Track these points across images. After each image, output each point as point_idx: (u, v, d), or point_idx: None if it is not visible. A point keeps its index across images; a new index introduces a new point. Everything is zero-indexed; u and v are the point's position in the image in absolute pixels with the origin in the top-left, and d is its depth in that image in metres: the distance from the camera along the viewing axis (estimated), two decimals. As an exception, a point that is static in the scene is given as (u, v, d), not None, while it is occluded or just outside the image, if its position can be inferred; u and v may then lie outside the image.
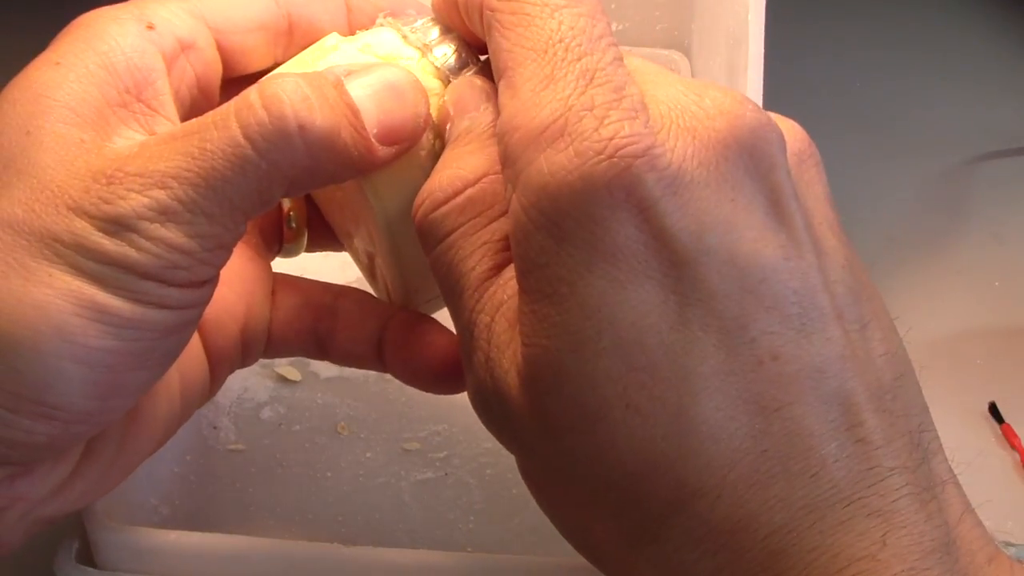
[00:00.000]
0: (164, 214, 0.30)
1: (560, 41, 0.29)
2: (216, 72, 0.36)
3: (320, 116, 0.31)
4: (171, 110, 0.34)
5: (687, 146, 0.28)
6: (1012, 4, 0.76)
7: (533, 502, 0.44)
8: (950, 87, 0.70)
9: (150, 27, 0.33)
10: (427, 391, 0.38)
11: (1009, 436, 0.50)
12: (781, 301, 0.28)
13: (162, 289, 0.31)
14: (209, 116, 0.31)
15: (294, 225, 0.40)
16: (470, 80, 0.34)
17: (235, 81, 0.37)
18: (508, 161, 0.29)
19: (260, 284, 0.38)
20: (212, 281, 0.32)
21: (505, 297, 0.31)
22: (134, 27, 0.33)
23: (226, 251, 0.32)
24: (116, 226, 0.30)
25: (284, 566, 0.39)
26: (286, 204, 0.40)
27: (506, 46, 0.30)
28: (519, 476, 0.45)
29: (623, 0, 0.61)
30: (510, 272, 0.30)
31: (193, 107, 0.36)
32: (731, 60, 0.49)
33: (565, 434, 0.29)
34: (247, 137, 0.30)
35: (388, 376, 0.49)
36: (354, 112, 0.32)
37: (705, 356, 0.28)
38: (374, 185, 0.34)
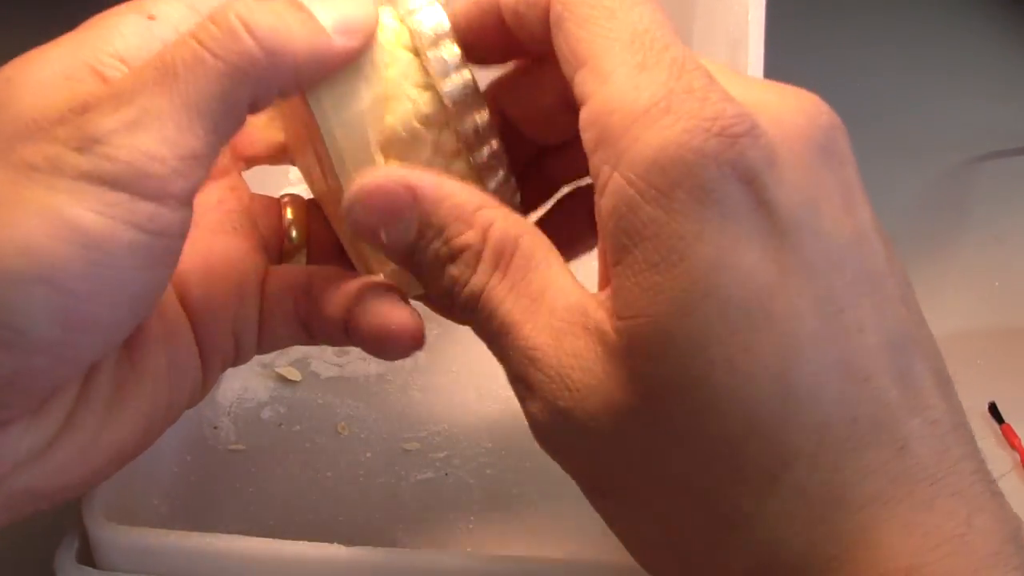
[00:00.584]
0: (134, 124, 0.30)
1: (645, 32, 0.31)
2: None
3: (263, 15, 0.32)
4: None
5: (776, 133, 0.30)
6: (1012, 4, 0.76)
7: (533, 502, 0.44)
8: (950, 87, 0.70)
9: (151, 17, 0.33)
10: (386, 359, 0.38)
11: (1009, 436, 0.50)
12: (859, 278, 0.30)
13: (134, 203, 0.30)
14: (182, 36, 0.32)
15: (294, 237, 0.40)
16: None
17: None
18: (607, 141, 0.30)
19: (252, 278, 0.38)
20: (186, 204, 0.32)
21: (560, 310, 0.32)
22: (135, 18, 0.33)
23: (199, 165, 0.32)
24: (89, 142, 0.30)
25: (284, 566, 0.39)
26: (287, 215, 0.40)
27: (586, 37, 0.31)
28: (519, 476, 0.45)
29: None
30: (554, 292, 0.32)
31: None
32: (731, 60, 0.49)
33: (667, 400, 0.29)
34: (200, 42, 0.31)
35: (388, 376, 0.49)
36: (299, 6, 0.33)
37: (803, 322, 0.29)
38: (320, 103, 0.34)
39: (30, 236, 0.29)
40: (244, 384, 0.49)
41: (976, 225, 0.62)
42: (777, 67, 0.47)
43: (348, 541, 0.39)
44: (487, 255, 0.33)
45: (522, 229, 0.33)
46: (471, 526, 0.44)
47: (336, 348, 0.50)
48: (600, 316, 0.31)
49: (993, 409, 0.51)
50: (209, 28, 0.32)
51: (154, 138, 0.31)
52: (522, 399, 0.33)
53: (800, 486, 0.29)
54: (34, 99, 0.31)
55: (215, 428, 0.47)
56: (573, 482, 0.45)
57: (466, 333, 0.50)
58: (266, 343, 0.39)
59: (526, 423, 0.47)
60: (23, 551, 0.46)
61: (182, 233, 0.32)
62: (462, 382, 0.49)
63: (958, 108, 0.68)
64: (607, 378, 0.30)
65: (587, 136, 0.31)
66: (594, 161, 0.31)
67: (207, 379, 0.37)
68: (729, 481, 0.29)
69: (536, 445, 0.46)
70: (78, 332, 0.31)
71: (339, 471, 0.46)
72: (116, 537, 0.38)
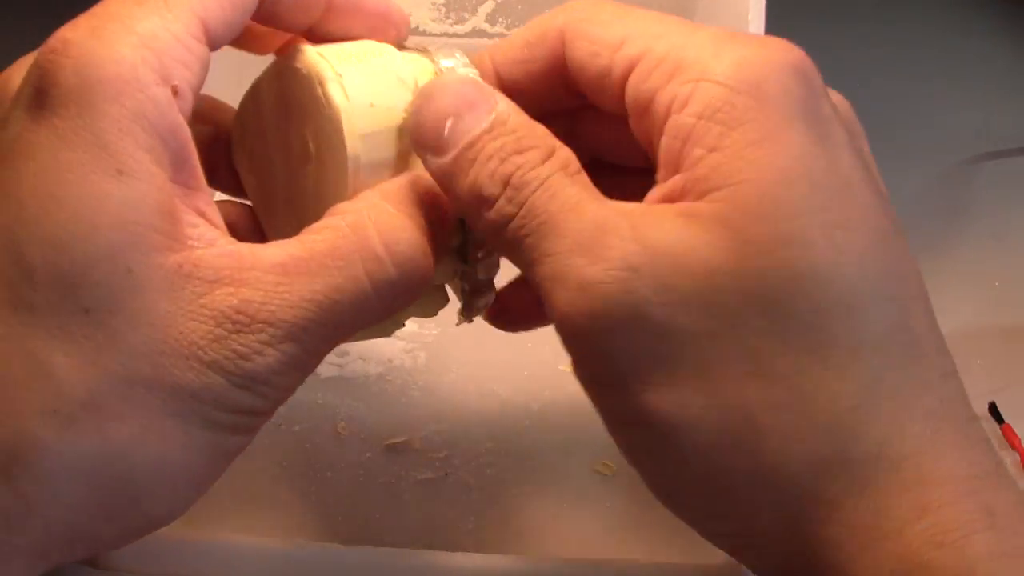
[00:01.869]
0: (294, 367, 0.31)
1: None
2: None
3: (425, 261, 0.33)
4: (201, 176, 0.32)
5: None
6: (1012, 4, 0.76)
7: (533, 502, 0.44)
8: (950, 87, 0.70)
9: (175, 92, 0.31)
10: None
11: (1009, 436, 0.50)
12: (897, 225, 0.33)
13: (263, 420, 0.32)
14: (330, 256, 0.32)
15: None
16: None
17: None
18: (685, 67, 0.32)
19: None
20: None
21: (634, 205, 0.32)
22: (164, 95, 0.31)
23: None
24: (251, 381, 0.30)
25: (284, 566, 0.39)
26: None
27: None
28: (519, 476, 0.45)
29: (623, 0, 0.62)
30: (623, 203, 0.32)
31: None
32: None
33: (765, 261, 0.30)
34: (376, 291, 0.32)
35: (388, 376, 0.49)
36: (429, 243, 0.34)
37: (879, 220, 0.31)
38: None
39: (197, 473, 0.31)
40: (244, 384, 0.49)
41: (976, 225, 0.62)
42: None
43: (348, 541, 0.39)
44: (555, 159, 0.33)
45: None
46: (471, 526, 0.44)
47: (337, 349, 0.50)
48: (668, 204, 0.31)
49: (993, 409, 0.51)
50: (389, 271, 0.32)
51: (303, 375, 0.32)
52: (568, 276, 0.31)
53: (877, 375, 0.30)
54: (166, 301, 0.30)
55: (215, 428, 0.47)
56: (573, 482, 0.45)
57: (466, 333, 0.50)
58: None
59: (526, 423, 0.47)
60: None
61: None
62: (462, 382, 0.49)
63: (958, 108, 0.68)
64: (693, 239, 0.30)
65: (653, 77, 0.32)
66: (665, 93, 0.32)
67: None
68: (816, 356, 0.30)
69: (537, 445, 0.46)
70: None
71: (339, 471, 0.46)
72: (116, 537, 0.38)
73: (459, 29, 0.62)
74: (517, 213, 0.32)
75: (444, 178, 0.33)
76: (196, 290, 0.30)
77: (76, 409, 0.29)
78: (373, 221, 0.32)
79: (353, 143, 0.34)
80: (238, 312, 0.30)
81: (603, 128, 0.38)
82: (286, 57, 0.36)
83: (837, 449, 0.30)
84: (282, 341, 0.31)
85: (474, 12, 0.62)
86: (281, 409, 0.47)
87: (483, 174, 0.33)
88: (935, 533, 0.29)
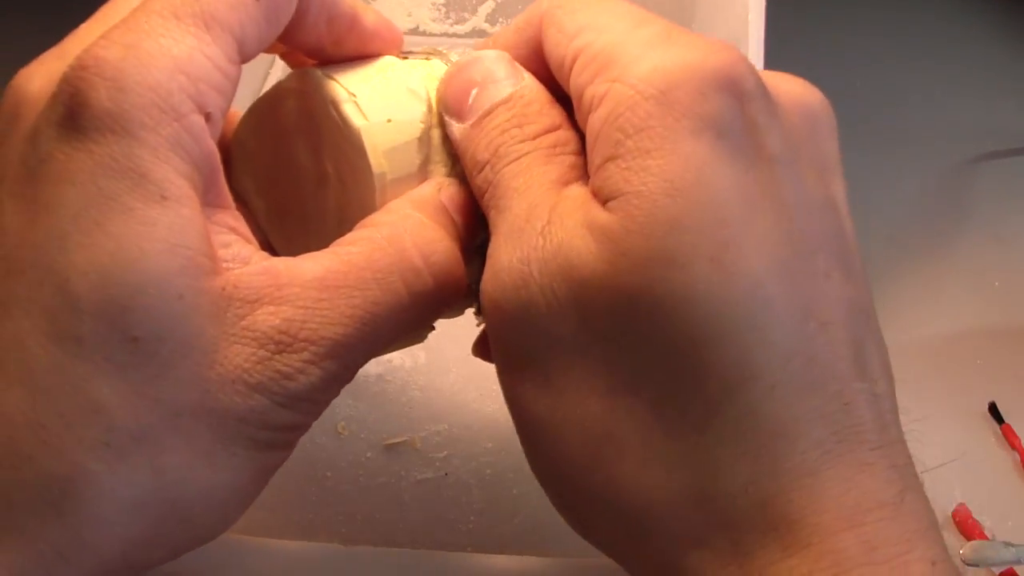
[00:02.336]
0: (335, 381, 0.31)
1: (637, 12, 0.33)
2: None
3: (460, 272, 0.33)
4: (228, 193, 0.32)
5: (772, 87, 0.31)
6: (1012, 4, 0.76)
7: (533, 501, 0.44)
8: (950, 87, 0.70)
9: (208, 119, 0.31)
10: None
11: (1009, 436, 0.50)
12: (830, 235, 0.30)
13: (303, 432, 0.32)
14: (368, 269, 0.32)
15: None
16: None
17: None
18: (609, 67, 0.31)
19: None
20: None
21: (573, 195, 0.31)
22: (197, 123, 0.30)
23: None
24: (294, 400, 0.30)
25: (284, 566, 0.39)
26: None
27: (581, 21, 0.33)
28: (519, 476, 0.45)
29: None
30: (576, 186, 0.31)
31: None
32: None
33: (644, 275, 0.28)
34: (414, 303, 0.32)
35: (388, 376, 0.49)
36: (460, 251, 0.34)
37: (783, 245, 0.29)
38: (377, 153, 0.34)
39: (245, 493, 0.31)
40: (244, 384, 0.49)
41: (976, 225, 0.62)
42: (777, 67, 0.47)
43: (348, 541, 0.39)
44: (546, 138, 0.33)
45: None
46: (471, 526, 0.44)
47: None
48: (586, 204, 0.30)
49: (993, 409, 0.51)
50: (427, 281, 0.32)
51: (341, 387, 0.32)
52: (491, 257, 0.32)
53: (753, 409, 0.28)
54: (213, 326, 0.29)
55: (215, 428, 0.47)
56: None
57: (466, 333, 0.50)
58: None
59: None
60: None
61: None
62: (462, 382, 0.49)
63: (958, 108, 0.68)
64: (582, 247, 0.29)
65: (585, 72, 0.31)
66: (589, 90, 0.31)
67: None
68: (685, 385, 0.28)
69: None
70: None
71: (339, 471, 0.46)
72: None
73: (459, 29, 0.62)
74: (492, 182, 0.33)
75: (462, 142, 0.34)
76: (238, 312, 0.30)
77: (127, 442, 0.28)
78: (409, 232, 0.32)
79: (378, 161, 0.34)
80: (280, 332, 0.30)
81: None
82: (290, 81, 0.35)
83: (696, 483, 0.28)
84: (324, 359, 0.30)
85: (474, 12, 0.62)
86: (281, 409, 0.48)
87: (483, 141, 0.33)
88: (804, 573, 0.27)
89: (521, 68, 0.34)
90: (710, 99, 0.29)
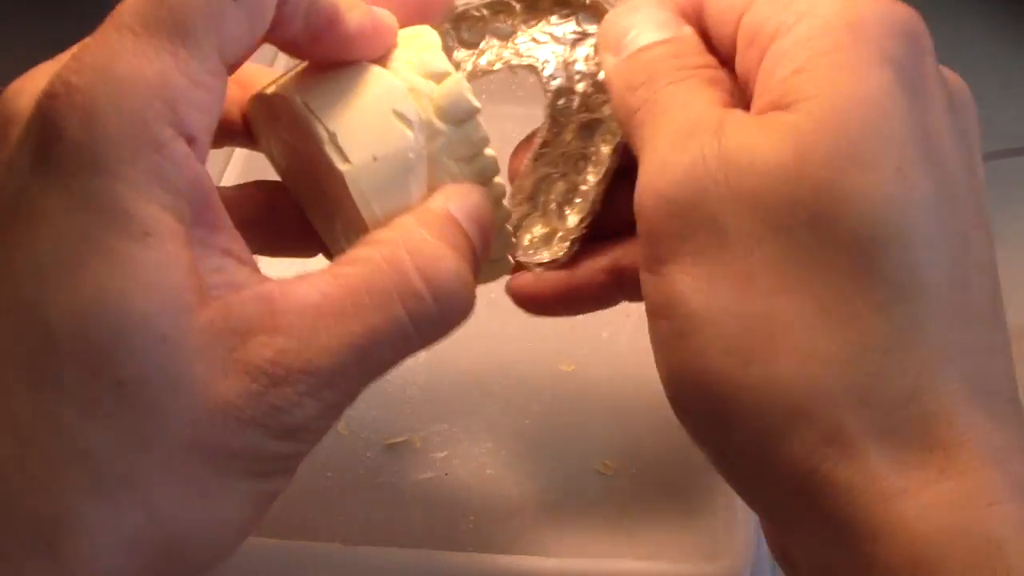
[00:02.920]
0: (333, 409, 0.31)
1: None
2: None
3: (467, 292, 0.33)
4: (224, 212, 0.31)
5: None
6: (1012, 4, 0.76)
7: (533, 501, 0.44)
8: (950, 87, 0.70)
9: (191, 141, 0.29)
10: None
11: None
12: (978, 201, 0.33)
13: (302, 458, 0.32)
14: (367, 294, 0.31)
15: None
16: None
17: None
18: (795, 2, 0.32)
19: None
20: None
21: (739, 113, 0.32)
22: (180, 148, 0.29)
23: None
24: (290, 432, 0.30)
25: (284, 566, 0.39)
26: None
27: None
28: (519, 476, 0.45)
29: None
30: (739, 111, 0.32)
31: None
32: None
33: (831, 170, 0.29)
34: (417, 328, 0.31)
35: (388, 376, 0.49)
36: (476, 261, 0.34)
37: (953, 174, 0.31)
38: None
39: (242, 524, 0.30)
40: (244, 384, 0.49)
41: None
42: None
43: (348, 541, 0.39)
44: (704, 72, 0.34)
45: None
46: (471, 526, 0.44)
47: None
48: (753, 114, 0.31)
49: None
50: (429, 307, 0.32)
51: (338, 415, 0.31)
52: (654, 160, 0.32)
53: (919, 323, 0.29)
54: (201, 365, 0.28)
55: (215, 428, 0.47)
56: (573, 482, 0.45)
57: (466, 333, 0.50)
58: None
59: (526, 423, 0.47)
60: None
61: None
62: (462, 382, 0.49)
63: (958, 108, 0.68)
64: (762, 142, 0.30)
65: (769, 5, 0.32)
66: (772, 22, 0.32)
67: None
68: (857, 284, 0.29)
69: (537, 445, 0.46)
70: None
71: (339, 471, 0.46)
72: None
73: (459, 29, 0.62)
74: (647, 99, 0.33)
75: (612, 72, 0.35)
76: (228, 344, 0.29)
77: (116, 485, 0.28)
78: (410, 252, 0.32)
79: (366, 204, 0.33)
80: (274, 364, 0.29)
81: None
82: (275, 98, 0.35)
83: (858, 386, 0.28)
84: (320, 389, 0.30)
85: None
86: (281, 409, 0.48)
87: (639, 66, 0.34)
88: (958, 497, 0.27)
89: (682, 20, 0.35)
90: (896, 41, 0.30)
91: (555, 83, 0.39)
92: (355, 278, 0.31)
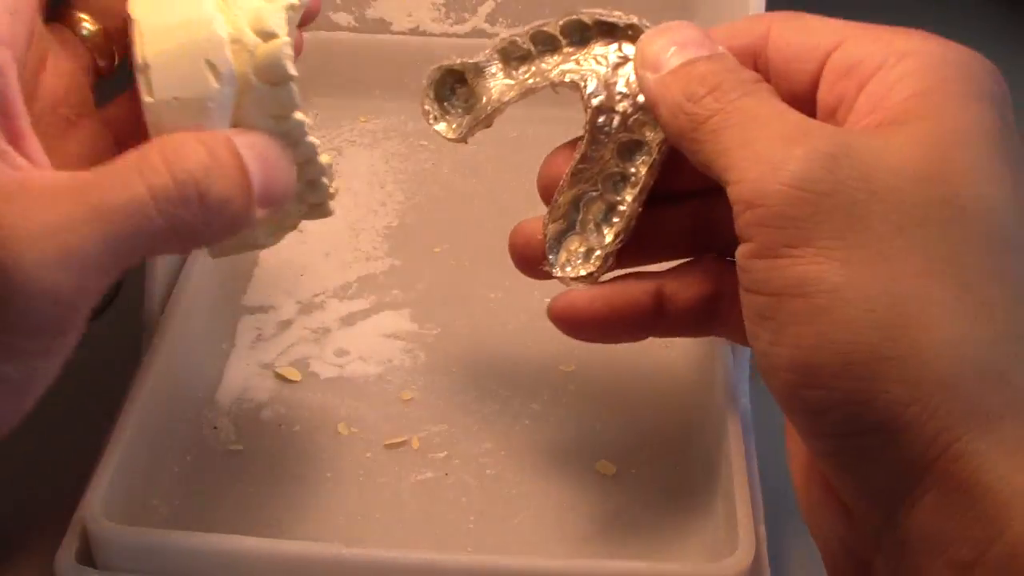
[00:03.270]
0: (76, 289, 0.32)
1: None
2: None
3: (218, 184, 0.34)
4: (17, 105, 0.33)
5: None
6: (1012, 4, 0.76)
7: (533, 502, 0.44)
8: (950, 87, 0.70)
9: None
10: None
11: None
12: None
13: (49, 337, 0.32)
14: (107, 171, 0.33)
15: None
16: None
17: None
18: (904, 40, 0.36)
19: None
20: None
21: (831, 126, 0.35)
22: None
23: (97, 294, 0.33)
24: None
25: (284, 567, 0.39)
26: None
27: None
28: (519, 476, 0.45)
29: (623, 0, 0.62)
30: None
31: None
32: (731, 60, 0.49)
33: (962, 180, 0.32)
34: (152, 197, 0.32)
35: (388, 376, 0.49)
36: (248, 180, 0.35)
37: None
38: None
39: None
40: (244, 384, 0.49)
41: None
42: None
43: (348, 541, 0.39)
44: (764, 83, 0.36)
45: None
46: (471, 526, 0.44)
47: (336, 348, 0.50)
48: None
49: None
50: (163, 177, 0.33)
51: (81, 287, 0.32)
52: (767, 155, 0.33)
53: None
54: None
55: (215, 428, 0.47)
56: (573, 482, 0.45)
57: (466, 333, 0.50)
58: None
59: (526, 423, 0.47)
60: (23, 551, 0.46)
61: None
62: (462, 382, 0.49)
63: (958, 108, 0.68)
64: (890, 143, 0.33)
65: (865, 45, 0.36)
66: (875, 56, 0.35)
67: None
68: (992, 272, 0.31)
69: (537, 446, 0.46)
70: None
71: (339, 471, 0.46)
72: (116, 538, 0.39)
73: (459, 29, 0.62)
74: (722, 109, 0.35)
75: (655, 87, 0.37)
76: None
77: None
78: (158, 144, 0.34)
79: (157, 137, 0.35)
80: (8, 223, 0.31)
81: None
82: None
83: (1001, 367, 0.30)
84: (48, 236, 0.31)
85: (474, 12, 0.62)
86: (281, 409, 0.48)
87: (694, 79, 0.36)
88: None
89: (713, 40, 0.38)
90: (990, 80, 0.35)
91: (596, 100, 0.40)
92: (106, 166, 0.33)
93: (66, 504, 0.40)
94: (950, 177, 0.32)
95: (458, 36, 0.62)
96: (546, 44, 0.42)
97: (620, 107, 0.40)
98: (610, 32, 0.41)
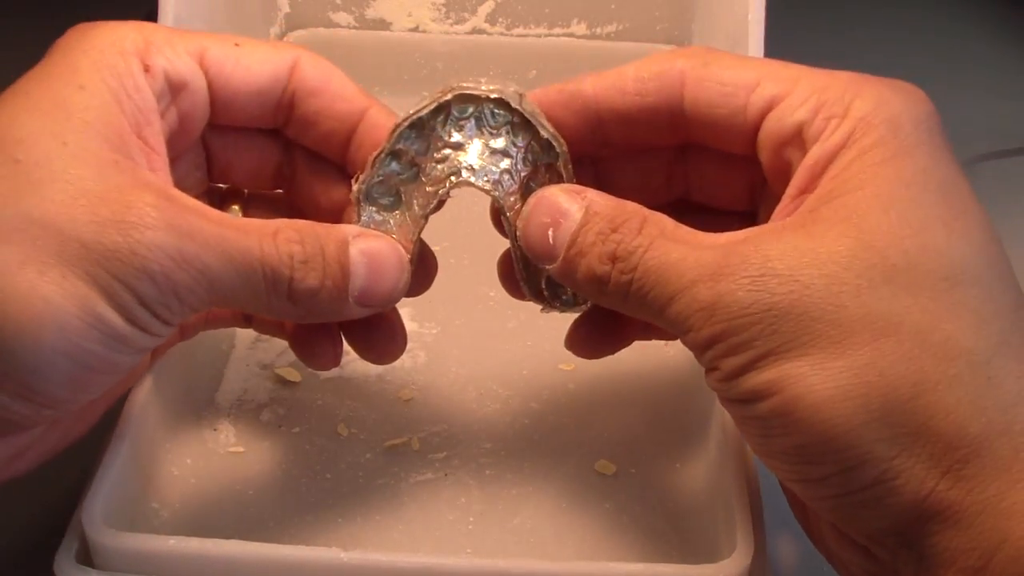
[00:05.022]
0: (180, 262, 0.35)
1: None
2: (203, 115, 0.40)
3: (310, 277, 0.37)
4: (163, 148, 0.38)
5: None
6: (1012, 4, 0.76)
7: (533, 502, 0.44)
8: (950, 87, 0.69)
9: (147, 70, 0.38)
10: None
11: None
12: None
13: (149, 318, 0.35)
14: (238, 228, 0.37)
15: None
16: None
17: (222, 129, 0.42)
18: (838, 98, 0.37)
19: None
20: (176, 327, 0.38)
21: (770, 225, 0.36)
22: (136, 64, 0.38)
23: (196, 313, 0.37)
24: (137, 262, 0.34)
25: (284, 570, 0.39)
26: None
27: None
28: (519, 476, 0.45)
29: (627, 4, 0.62)
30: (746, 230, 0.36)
31: (170, 141, 0.39)
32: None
33: (887, 236, 0.34)
34: (263, 263, 0.37)
35: (388, 377, 0.49)
36: (344, 276, 0.38)
37: (984, 215, 0.37)
38: None
39: (65, 318, 0.34)
40: (243, 386, 0.49)
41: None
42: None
43: (348, 543, 0.39)
44: (650, 224, 0.37)
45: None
46: (471, 527, 0.44)
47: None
48: (780, 224, 0.36)
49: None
50: (276, 260, 0.37)
51: (190, 286, 0.36)
52: (696, 300, 0.35)
53: (1004, 338, 0.33)
54: (92, 172, 0.35)
55: (215, 431, 0.47)
56: (573, 482, 0.45)
57: (466, 333, 0.50)
58: (209, 327, 0.45)
59: (526, 423, 0.47)
60: (23, 553, 0.46)
61: (174, 339, 0.40)
62: (462, 382, 0.49)
63: (958, 108, 0.68)
64: (813, 237, 0.34)
65: (802, 110, 0.37)
66: (814, 125, 0.36)
67: (156, 358, 0.44)
68: (942, 314, 0.33)
69: (537, 445, 0.46)
70: (82, 393, 0.36)
71: (339, 472, 0.46)
72: (116, 541, 0.38)
73: (459, 29, 0.62)
74: (633, 278, 0.36)
75: (562, 277, 0.38)
76: (123, 176, 0.35)
77: None
78: (287, 223, 0.38)
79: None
80: (139, 213, 0.35)
81: (705, 166, 0.42)
82: None
83: (975, 395, 0.32)
84: (177, 240, 0.35)
85: (474, 12, 0.62)
86: (281, 410, 0.48)
87: (591, 260, 0.37)
88: None
89: (578, 187, 0.39)
90: (922, 124, 0.37)
91: (496, 196, 0.41)
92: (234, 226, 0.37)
93: (66, 506, 0.40)
94: (876, 241, 0.34)
95: (458, 36, 0.62)
96: (421, 143, 0.41)
97: (510, 185, 0.41)
98: (472, 100, 0.41)
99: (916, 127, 0.36)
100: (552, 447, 0.47)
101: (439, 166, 0.41)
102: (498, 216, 0.42)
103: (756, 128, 0.38)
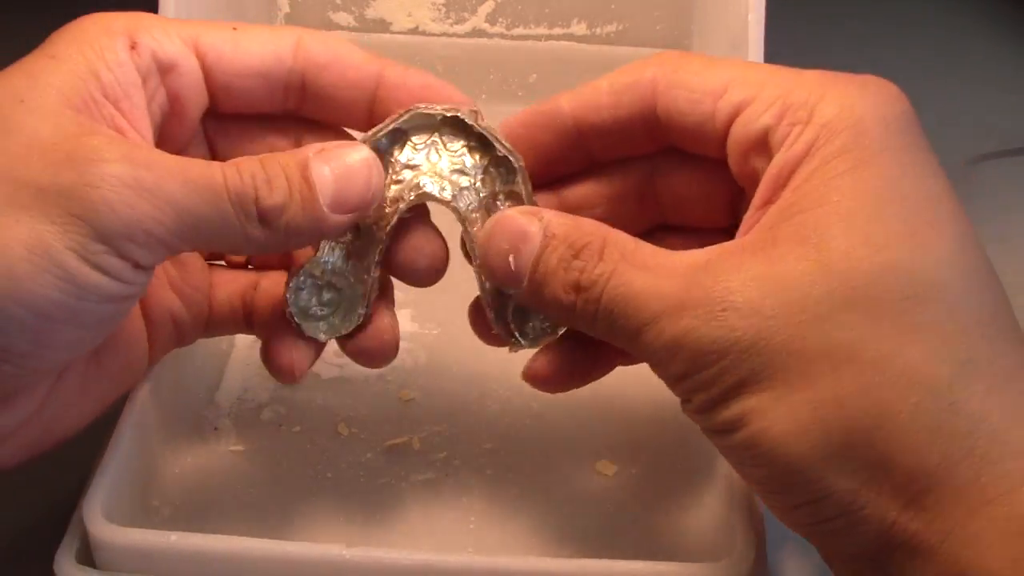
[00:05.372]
0: (141, 194, 0.34)
1: None
2: (198, 99, 0.40)
3: (275, 193, 0.36)
4: (146, 123, 0.38)
5: None
6: (1012, 4, 0.76)
7: (533, 502, 0.44)
8: (950, 87, 0.70)
9: (133, 47, 0.38)
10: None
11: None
12: None
13: (113, 259, 0.34)
14: (198, 162, 0.36)
15: None
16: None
17: (228, 117, 0.41)
18: (803, 102, 0.36)
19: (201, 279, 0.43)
20: (152, 269, 0.36)
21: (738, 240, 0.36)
22: (121, 42, 0.37)
23: (170, 254, 0.36)
24: (90, 193, 0.33)
25: (284, 567, 0.39)
26: None
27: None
28: (519, 476, 0.45)
29: (623, 0, 0.62)
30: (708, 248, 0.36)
31: (164, 125, 0.39)
32: (731, 60, 0.49)
33: (848, 259, 0.33)
34: (228, 191, 0.36)
35: (388, 376, 0.49)
36: (310, 187, 0.37)
37: (959, 221, 0.36)
38: None
39: (12, 261, 0.33)
40: (244, 385, 0.49)
41: (976, 225, 0.61)
42: (777, 67, 0.47)
43: (348, 542, 0.39)
44: (611, 248, 0.36)
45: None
46: (471, 527, 0.44)
47: (336, 349, 0.50)
48: (740, 247, 0.35)
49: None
50: (239, 182, 0.36)
51: (155, 216, 0.34)
52: (663, 335, 0.35)
53: (970, 355, 0.33)
54: (48, 124, 0.35)
55: (216, 430, 0.47)
56: (573, 482, 0.45)
57: (466, 334, 0.50)
58: (210, 333, 0.44)
59: (526, 423, 0.47)
60: (23, 551, 0.46)
61: (145, 285, 0.36)
62: (462, 382, 0.49)
63: (958, 108, 0.68)
64: (772, 264, 0.34)
65: (767, 115, 0.36)
66: (778, 131, 0.36)
67: (151, 364, 0.43)
68: (902, 338, 0.32)
69: (537, 446, 0.46)
70: (46, 348, 0.35)
71: (339, 472, 0.46)
72: (116, 539, 0.38)
73: (459, 29, 0.62)
74: (598, 308, 0.36)
75: (530, 304, 0.39)
76: (79, 127, 0.35)
77: None
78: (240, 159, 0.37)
79: None
80: (97, 148, 0.34)
81: (682, 176, 0.41)
82: None
83: (935, 423, 0.32)
84: (134, 170, 0.34)
85: (474, 12, 0.62)
86: (281, 409, 0.48)
87: (556, 288, 0.37)
88: None
89: (535, 208, 0.39)
90: (890, 126, 0.35)
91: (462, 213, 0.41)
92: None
93: (66, 506, 0.40)
94: (836, 264, 0.33)
95: (458, 36, 0.62)
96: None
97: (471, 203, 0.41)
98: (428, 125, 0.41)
99: (885, 129, 0.35)
100: (552, 447, 0.47)
101: (395, 187, 0.40)
102: (465, 248, 0.41)
103: (726, 135, 0.38)
